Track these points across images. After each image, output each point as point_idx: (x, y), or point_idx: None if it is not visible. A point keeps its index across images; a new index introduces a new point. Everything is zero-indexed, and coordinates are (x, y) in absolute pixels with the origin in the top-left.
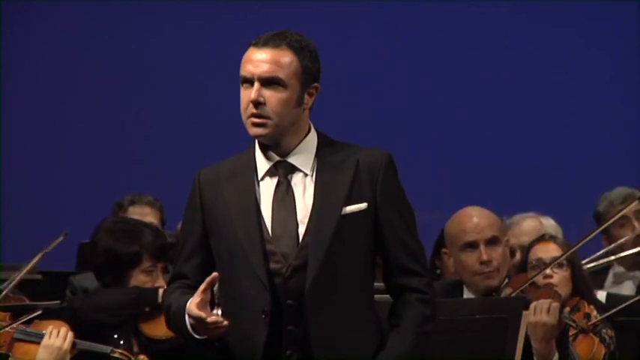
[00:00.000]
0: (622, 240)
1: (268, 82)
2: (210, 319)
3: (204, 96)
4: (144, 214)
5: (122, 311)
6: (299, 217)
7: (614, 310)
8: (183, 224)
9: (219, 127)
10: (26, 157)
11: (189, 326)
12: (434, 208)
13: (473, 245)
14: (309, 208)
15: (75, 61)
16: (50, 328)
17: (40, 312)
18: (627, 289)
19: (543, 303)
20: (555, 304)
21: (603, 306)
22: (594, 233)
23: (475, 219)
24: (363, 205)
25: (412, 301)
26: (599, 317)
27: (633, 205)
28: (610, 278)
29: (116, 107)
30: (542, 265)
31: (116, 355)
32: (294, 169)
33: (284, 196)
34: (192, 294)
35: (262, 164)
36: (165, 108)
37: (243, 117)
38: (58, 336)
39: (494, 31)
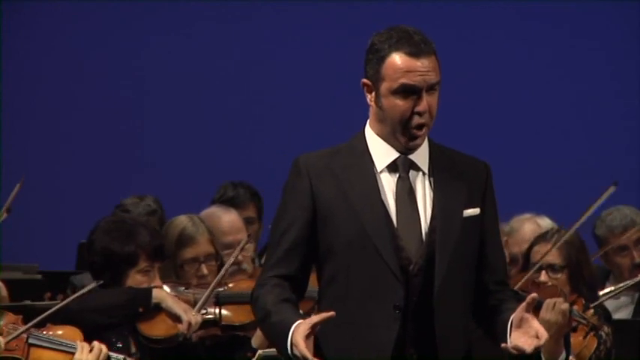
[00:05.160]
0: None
1: (431, 88)
2: None
3: (204, 96)
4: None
5: (116, 312)
6: (420, 214)
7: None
8: (284, 212)
9: (219, 127)
10: (26, 157)
11: (289, 347)
12: None
13: None
14: (430, 206)
15: (75, 61)
16: (79, 341)
17: (96, 284)
18: (624, 304)
19: (555, 302)
20: (566, 304)
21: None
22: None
23: None
24: (477, 210)
25: (512, 296)
26: (592, 309)
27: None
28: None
29: (116, 107)
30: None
31: None
32: (413, 166)
33: (406, 193)
34: (290, 297)
35: (380, 158)
36: (165, 108)
37: (401, 126)
38: (91, 352)
39: (494, 30)
